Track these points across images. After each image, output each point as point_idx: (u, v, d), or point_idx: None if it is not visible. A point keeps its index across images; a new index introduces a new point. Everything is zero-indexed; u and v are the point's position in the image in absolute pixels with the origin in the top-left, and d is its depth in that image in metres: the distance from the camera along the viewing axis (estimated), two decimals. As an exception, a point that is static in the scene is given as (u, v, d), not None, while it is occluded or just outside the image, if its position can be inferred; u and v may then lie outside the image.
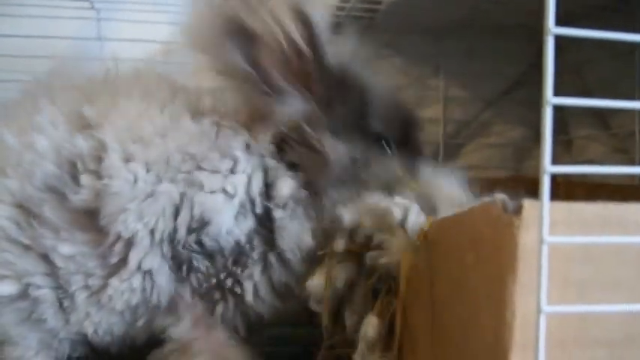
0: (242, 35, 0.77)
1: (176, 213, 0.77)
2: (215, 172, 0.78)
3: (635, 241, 0.49)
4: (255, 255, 0.80)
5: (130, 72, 0.90)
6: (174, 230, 0.77)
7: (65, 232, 0.76)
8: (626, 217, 0.50)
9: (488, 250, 0.49)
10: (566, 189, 1.16)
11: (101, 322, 0.79)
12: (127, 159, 0.77)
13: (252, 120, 0.83)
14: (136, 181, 0.76)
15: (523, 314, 0.46)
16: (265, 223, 0.80)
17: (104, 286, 0.77)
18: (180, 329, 0.80)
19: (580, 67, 1.28)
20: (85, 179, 0.76)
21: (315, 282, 0.76)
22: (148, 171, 0.77)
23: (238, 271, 0.80)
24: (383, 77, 0.91)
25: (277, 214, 0.80)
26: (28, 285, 0.76)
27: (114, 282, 0.77)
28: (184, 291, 0.80)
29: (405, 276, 0.66)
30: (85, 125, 0.79)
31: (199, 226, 0.77)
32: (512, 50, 1.38)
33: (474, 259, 0.52)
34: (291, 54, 0.78)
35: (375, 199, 0.75)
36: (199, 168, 0.78)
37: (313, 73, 0.80)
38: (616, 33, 0.46)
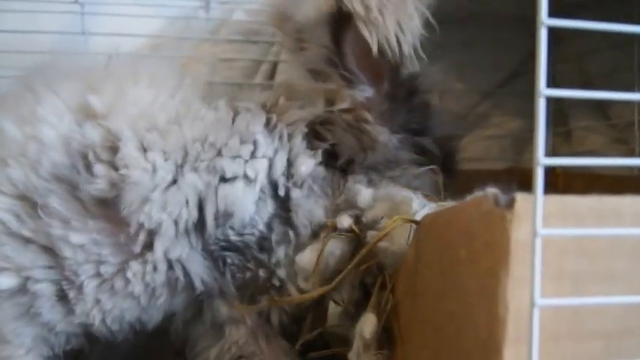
0: (335, 14, 0.81)
1: (201, 204, 0.79)
2: (236, 157, 0.80)
3: (629, 232, 0.50)
4: (275, 236, 0.82)
5: (132, 60, 0.91)
6: (202, 223, 0.79)
7: (76, 222, 0.76)
8: (621, 209, 0.51)
9: (481, 244, 0.50)
10: (565, 180, 1.17)
11: (112, 309, 0.79)
12: (144, 148, 0.78)
13: (290, 99, 0.87)
14: (155, 170, 0.77)
15: (516, 308, 0.47)
16: (285, 205, 0.82)
17: (119, 272, 0.78)
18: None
19: (580, 58, 1.29)
20: (99, 169, 0.77)
21: (306, 257, 0.77)
22: (166, 160, 0.78)
23: (265, 259, 0.82)
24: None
25: (295, 193, 0.82)
26: (27, 279, 0.77)
27: (134, 266, 0.78)
28: (227, 286, 0.82)
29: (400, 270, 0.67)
30: (91, 115, 0.80)
31: (224, 219, 0.79)
32: (511, 41, 1.39)
33: (467, 254, 0.53)
34: (376, 49, 0.81)
35: (396, 189, 0.78)
36: (220, 155, 0.80)
37: (388, 72, 0.83)
38: (611, 24, 0.47)
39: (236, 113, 0.84)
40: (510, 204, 0.47)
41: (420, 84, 0.88)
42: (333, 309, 0.76)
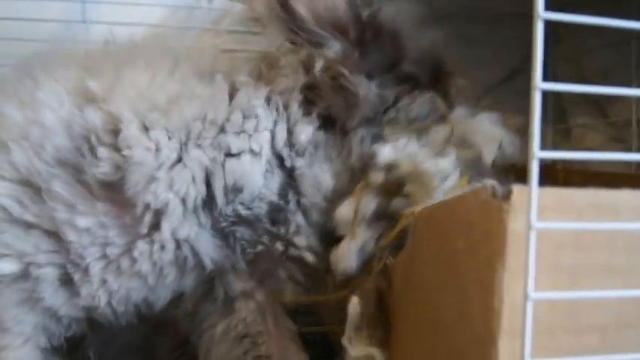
0: None
1: (208, 179, 0.79)
2: (240, 132, 0.80)
3: (625, 227, 0.50)
4: (292, 206, 0.82)
5: (128, 43, 0.91)
6: (211, 200, 0.79)
7: (82, 205, 0.76)
8: (619, 203, 0.51)
9: (478, 235, 0.51)
10: (564, 177, 1.18)
11: (119, 289, 0.79)
12: (146, 128, 0.78)
13: (272, 69, 0.86)
14: (158, 149, 0.77)
15: (512, 300, 0.47)
16: (292, 174, 0.82)
17: (126, 252, 0.78)
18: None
19: (579, 57, 1.30)
20: (102, 152, 0.76)
21: (344, 210, 0.78)
22: (170, 138, 0.78)
23: (281, 231, 0.82)
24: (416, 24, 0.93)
25: (298, 162, 0.82)
26: (29, 264, 0.76)
27: (141, 245, 0.78)
28: (238, 261, 0.82)
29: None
30: (91, 99, 0.79)
31: (234, 194, 0.79)
32: (512, 38, 1.39)
33: (464, 245, 0.53)
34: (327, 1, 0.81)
35: (421, 153, 0.78)
36: (223, 132, 0.80)
37: (347, 18, 0.82)
38: (607, 19, 0.47)
39: (234, 87, 0.84)
40: (507, 195, 0.47)
41: (383, 19, 0.86)
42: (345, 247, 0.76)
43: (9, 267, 0.76)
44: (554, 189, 0.49)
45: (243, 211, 0.80)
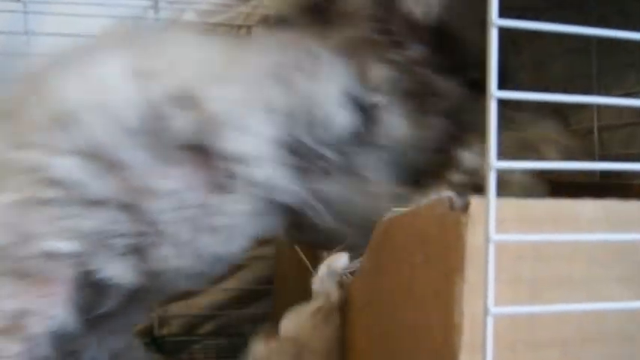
0: None
1: (287, 122, 0.81)
2: (311, 77, 0.83)
3: (585, 238, 0.51)
4: (361, 147, 0.84)
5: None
6: (291, 140, 0.81)
7: (159, 171, 0.77)
8: (578, 213, 0.51)
9: (436, 249, 0.51)
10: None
11: (196, 248, 0.79)
12: (218, 85, 0.80)
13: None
14: (228, 101, 0.79)
15: (472, 315, 0.47)
16: (367, 115, 0.85)
17: (205, 209, 0.78)
18: None
19: (540, 65, 1.32)
20: (174, 115, 0.78)
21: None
22: (239, 91, 0.80)
23: (355, 168, 0.85)
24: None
25: (373, 99, 0.84)
26: (91, 241, 0.75)
27: (220, 199, 0.78)
28: (315, 193, 0.84)
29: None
30: (149, 76, 0.80)
31: (313, 133, 0.82)
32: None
33: (423, 259, 0.53)
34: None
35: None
36: (290, 79, 0.82)
37: (422, 24, 0.87)
38: (564, 26, 0.47)
39: (287, 41, 0.87)
40: (465, 207, 0.47)
41: (452, 23, 0.91)
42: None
43: (69, 246, 0.74)
44: (513, 200, 0.49)
45: (323, 148, 0.82)
